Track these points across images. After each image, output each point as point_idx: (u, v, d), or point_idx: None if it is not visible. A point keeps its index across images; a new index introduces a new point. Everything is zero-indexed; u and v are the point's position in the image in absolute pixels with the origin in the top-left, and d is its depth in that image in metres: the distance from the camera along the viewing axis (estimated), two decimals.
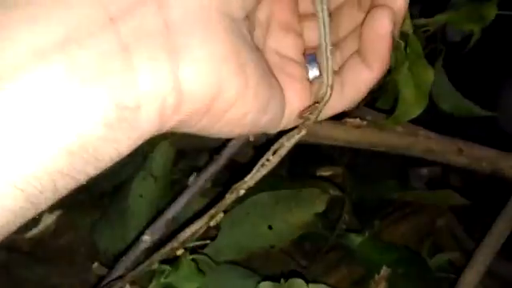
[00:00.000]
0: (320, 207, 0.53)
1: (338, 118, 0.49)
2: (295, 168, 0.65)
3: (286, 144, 0.24)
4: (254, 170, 0.24)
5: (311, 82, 0.25)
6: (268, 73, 0.22)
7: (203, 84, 0.19)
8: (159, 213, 0.54)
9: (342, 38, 0.26)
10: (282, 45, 0.25)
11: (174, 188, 0.58)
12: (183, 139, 0.61)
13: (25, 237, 0.59)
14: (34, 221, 0.59)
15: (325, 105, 0.24)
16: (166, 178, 0.58)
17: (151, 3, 0.18)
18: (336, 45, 0.25)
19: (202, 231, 0.28)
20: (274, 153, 0.24)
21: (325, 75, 0.24)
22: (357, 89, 0.25)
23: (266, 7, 0.24)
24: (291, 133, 0.24)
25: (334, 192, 0.58)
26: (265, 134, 0.49)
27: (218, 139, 0.63)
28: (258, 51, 0.22)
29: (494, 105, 0.84)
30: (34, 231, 0.59)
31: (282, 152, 0.24)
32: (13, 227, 0.17)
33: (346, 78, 0.24)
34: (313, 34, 0.25)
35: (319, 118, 0.25)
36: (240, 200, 0.54)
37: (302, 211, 0.53)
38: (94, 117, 0.16)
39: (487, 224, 0.67)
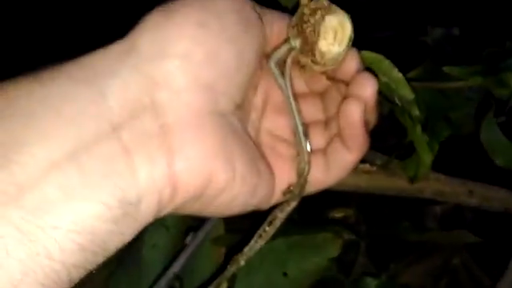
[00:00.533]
0: (334, 252, 0.53)
1: None
2: (306, 210, 0.66)
3: (280, 215, 0.26)
4: (252, 242, 0.26)
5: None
6: (256, 160, 0.25)
7: (194, 177, 0.21)
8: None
9: (330, 116, 0.28)
10: (275, 125, 0.28)
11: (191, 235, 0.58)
12: None
13: None
14: None
15: (305, 180, 0.26)
16: (178, 226, 0.58)
17: (149, 112, 0.20)
18: (326, 123, 0.28)
19: None
20: (270, 224, 0.26)
21: (302, 154, 0.26)
22: (340, 168, 0.27)
23: (262, 91, 0.27)
24: (282, 206, 0.26)
25: (347, 235, 0.58)
26: None
27: None
28: (248, 139, 0.25)
29: None
30: None
31: (277, 223, 0.26)
32: None
33: (330, 158, 0.27)
34: (307, 110, 0.28)
35: (304, 193, 0.28)
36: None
37: (316, 257, 0.53)
38: (104, 215, 0.19)
39: (503, 260, 0.66)
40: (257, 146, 0.26)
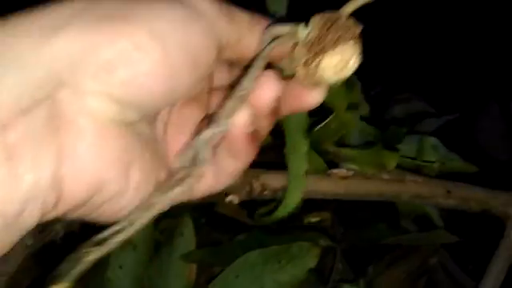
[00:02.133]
0: (312, 262, 0.51)
1: None
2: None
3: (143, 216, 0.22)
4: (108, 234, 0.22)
5: None
6: (159, 169, 0.24)
7: (81, 185, 0.20)
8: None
9: None
10: (181, 117, 0.26)
11: (160, 251, 0.55)
12: None
13: None
14: None
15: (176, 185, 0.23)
16: (147, 243, 0.55)
17: (44, 110, 0.19)
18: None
19: None
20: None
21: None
22: (226, 175, 0.26)
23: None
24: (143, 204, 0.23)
25: (324, 242, 0.56)
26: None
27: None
28: (156, 146, 0.24)
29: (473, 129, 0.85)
30: None
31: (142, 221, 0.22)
32: None
33: (219, 163, 0.25)
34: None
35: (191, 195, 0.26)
36: (228, 261, 0.52)
37: (293, 268, 0.51)
38: None
39: (479, 257, 0.66)
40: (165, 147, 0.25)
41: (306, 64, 0.23)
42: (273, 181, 0.45)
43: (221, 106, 0.22)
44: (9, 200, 0.18)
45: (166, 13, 0.20)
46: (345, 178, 0.46)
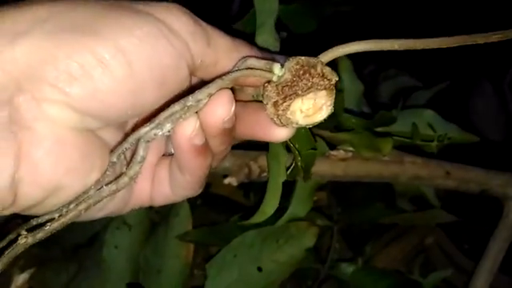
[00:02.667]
0: (310, 241, 0.51)
1: None
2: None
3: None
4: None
5: None
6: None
7: (37, 189, 0.20)
8: None
9: None
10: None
11: (156, 232, 0.54)
12: None
13: None
14: (5, 283, 0.54)
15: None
16: (142, 224, 0.54)
17: (2, 112, 0.19)
18: None
19: None
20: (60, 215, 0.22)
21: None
22: (182, 188, 0.25)
23: None
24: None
25: (321, 221, 0.56)
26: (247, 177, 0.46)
27: None
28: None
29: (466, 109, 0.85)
30: None
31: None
32: None
33: (172, 175, 0.25)
34: None
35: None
36: (225, 241, 0.52)
37: (291, 248, 0.51)
38: None
39: (475, 237, 0.66)
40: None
41: (276, 105, 0.23)
42: None
43: (165, 109, 0.22)
44: None
45: (135, 28, 0.20)
46: (343, 159, 0.46)
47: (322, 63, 0.23)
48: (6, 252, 0.21)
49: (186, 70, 0.21)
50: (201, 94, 0.21)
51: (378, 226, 0.60)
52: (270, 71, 0.23)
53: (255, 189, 0.63)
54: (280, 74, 0.23)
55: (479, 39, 0.20)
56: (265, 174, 0.43)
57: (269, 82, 0.23)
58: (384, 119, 0.45)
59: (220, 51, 0.23)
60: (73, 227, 0.57)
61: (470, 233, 0.68)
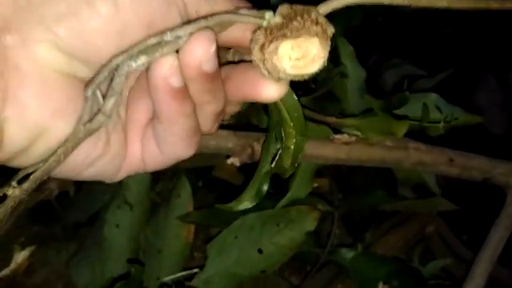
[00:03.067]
0: (311, 225, 0.51)
1: None
2: (279, 182, 0.63)
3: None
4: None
5: None
6: (108, 130, 0.23)
7: (23, 129, 0.20)
8: None
9: None
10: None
11: (157, 212, 0.54)
12: None
13: None
14: (5, 260, 0.55)
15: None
16: (143, 204, 0.54)
17: None
18: None
19: None
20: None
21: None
22: (169, 144, 0.24)
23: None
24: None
25: (322, 207, 0.56)
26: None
27: (193, 160, 0.60)
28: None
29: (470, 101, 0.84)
30: (6, 271, 0.54)
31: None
32: None
33: (156, 134, 0.24)
34: None
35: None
36: (226, 223, 0.52)
37: (292, 231, 0.51)
38: None
39: (475, 225, 0.67)
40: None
41: (263, 48, 0.21)
42: None
43: (140, 42, 0.20)
44: None
45: None
46: (347, 143, 0.45)
47: (318, 12, 0.21)
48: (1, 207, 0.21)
49: (177, 18, 0.21)
50: (181, 31, 0.20)
51: (379, 214, 0.60)
52: (261, 17, 0.21)
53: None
54: (270, 20, 0.21)
55: (493, 4, 0.19)
56: None
57: (257, 29, 0.22)
58: (400, 100, 0.45)
59: (217, 5, 0.22)
60: (74, 205, 0.57)
61: (469, 224, 0.68)
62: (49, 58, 0.19)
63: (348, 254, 0.55)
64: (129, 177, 0.52)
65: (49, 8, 0.19)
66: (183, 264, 0.53)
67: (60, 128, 0.21)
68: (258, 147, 0.43)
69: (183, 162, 0.26)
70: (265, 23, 0.21)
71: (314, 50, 0.21)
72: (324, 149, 0.45)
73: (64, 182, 0.57)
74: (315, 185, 0.64)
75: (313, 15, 0.21)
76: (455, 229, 0.65)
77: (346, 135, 0.45)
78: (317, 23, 0.21)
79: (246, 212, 0.52)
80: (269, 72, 0.21)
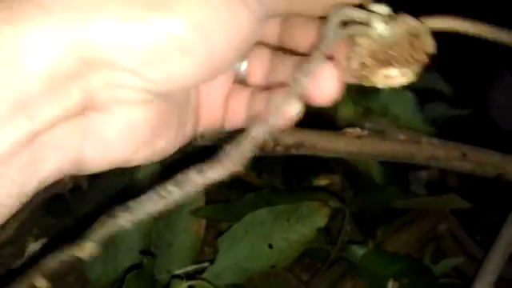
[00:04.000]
0: (322, 221, 0.51)
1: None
2: (290, 178, 0.63)
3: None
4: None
5: None
6: (184, 127, 0.22)
7: (103, 163, 0.20)
8: None
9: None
10: None
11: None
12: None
13: (11, 268, 0.55)
14: (20, 251, 0.55)
15: None
16: None
17: (74, 88, 0.17)
18: None
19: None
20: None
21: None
22: None
23: None
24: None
25: (333, 203, 0.56)
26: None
27: (204, 152, 0.60)
28: (183, 107, 0.22)
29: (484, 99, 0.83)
30: (20, 261, 0.55)
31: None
32: None
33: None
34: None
35: None
36: (237, 218, 0.52)
37: (302, 227, 0.51)
38: None
39: (488, 225, 0.66)
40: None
41: (363, 66, 0.20)
42: (286, 137, 0.44)
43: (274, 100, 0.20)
44: (30, 182, 0.18)
45: None
46: (359, 137, 0.45)
47: (427, 32, 0.20)
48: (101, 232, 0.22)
49: (260, 29, 0.20)
50: (303, 78, 0.19)
51: (391, 211, 0.60)
52: (369, 25, 0.20)
53: (268, 169, 0.63)
54: (380, 32, 0.20)
55: None
56: (279, 147, 0.43)
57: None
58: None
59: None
60: (87, 199, 0.58)
61: (483, 224, 0.67)
62: (135, 98, 0.19)
63: (359, 251, 0.55)
64: (140, 170, 0.52)
65: (135, 50, 0.17)
66: (194, 258, 0.53)
67: (142, 157, 0.21)
68: (269, 139, 0.43)
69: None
70: (374, 35, 0.20)
71: (411, 71, 0.21)
72: (335, 142, 0.45)
73: (77, 176, 0.57)
74: (326, 182, 0.64)
75: (422, 39, 0.20)
76: (468, 228, 0.64)
77: (358, 129, 0.45)
78: (423, 50, 0.20)
79: (256, 208, 0.52)
80: (356, 78, 0.21)
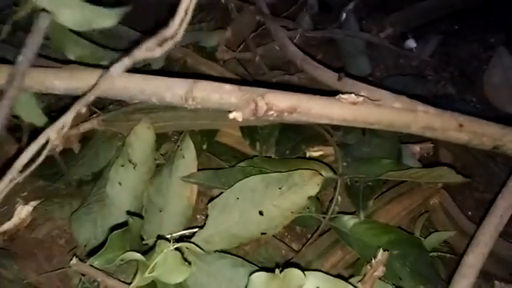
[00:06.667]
0: (313, 190, 0.50)
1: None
2: (283, 148, 0.62)
3: None
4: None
5: None
6: None
7: None
8: None
9: None
10: None
11: (161, 172, 0.54)
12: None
13: None
14: (7, 214, 0.55)
15: None
16: (147, 163, 0.54)
17: None
18: None
19: None
20: None
21: None
22: None
23: None
24: None
25: (326, 173, 0.55)
26: None
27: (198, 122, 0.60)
28: None
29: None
30: (8, 225, 0.55)
31: None
32: None
33: None
34: None
35: None
36: (229, 185, 0.51)
37: (294, 194, 0.50)
38: None
39: (480, 202, 0.65)
40: None
41: None
42: (279, 101, 0.43)
43: None
44: None
45: None
46: (354, 103, 0.44)
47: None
48: None
49: None
50: None
51: (383, 184, 0.59)
52: None
53: (262, 138, 0.62)
54: None
55: None
56: (272, 111, 0.42)
57: None
58: None
59: None
60: (78, 162, 0.57)
61: (475, 201, 0.67)
62: None
63: (349, 221, 0.54)
64: (133, 136, 0.51)
65: None
66: (185, 224, 0.52)
67: None
68: (261, 103, 0.42)
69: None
70: None
71: None
72: (329, 108, 0.44)
73: (68, 139, 0.56)
74: (319, 153, 0.63)
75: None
76: (460, 205, 0.64)
77: (353, 95, 0.44)
78: None
79: (248, 175, 0.52)
80: None
